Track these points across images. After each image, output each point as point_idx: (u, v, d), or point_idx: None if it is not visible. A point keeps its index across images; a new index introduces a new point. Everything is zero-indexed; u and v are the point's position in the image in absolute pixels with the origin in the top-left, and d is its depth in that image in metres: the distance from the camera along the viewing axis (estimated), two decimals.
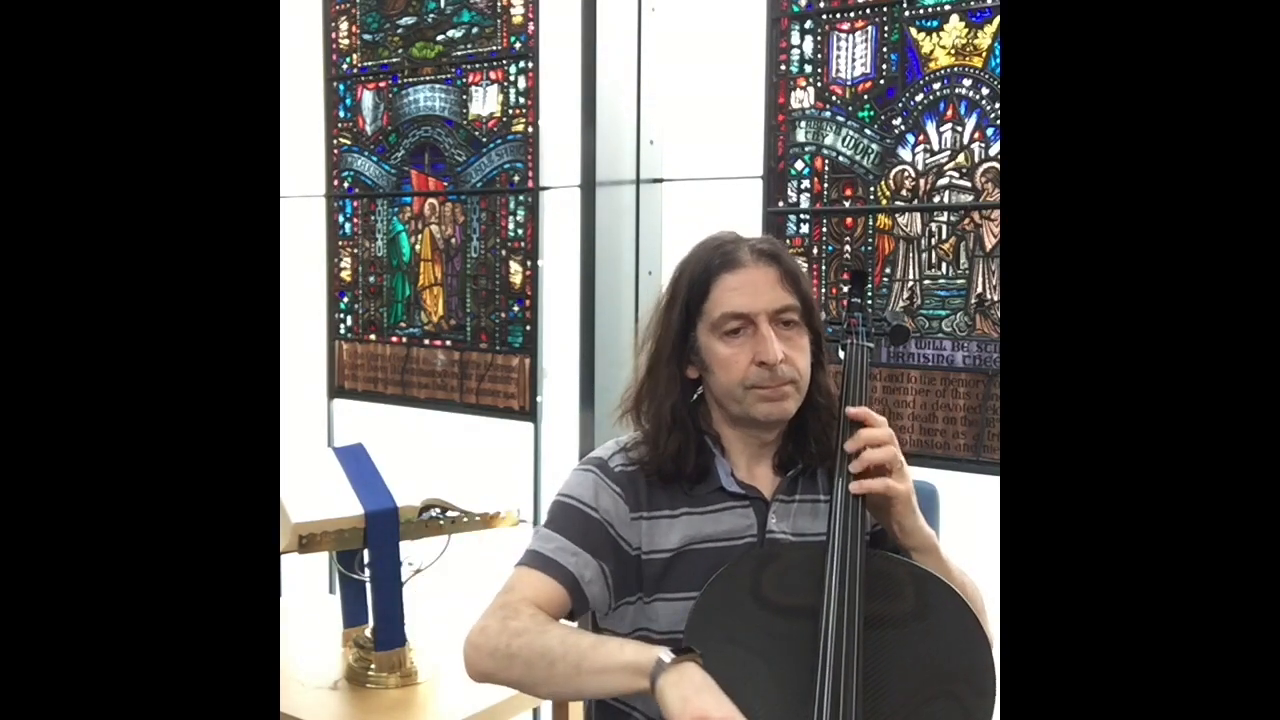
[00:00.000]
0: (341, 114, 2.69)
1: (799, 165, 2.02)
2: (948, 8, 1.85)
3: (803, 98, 2.00)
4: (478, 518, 1.80)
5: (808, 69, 2.00)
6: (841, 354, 1.26)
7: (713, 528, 1.22)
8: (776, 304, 1.19)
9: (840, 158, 1.98)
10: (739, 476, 1.24)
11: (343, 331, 2.74)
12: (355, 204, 2.69)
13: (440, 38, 2.49)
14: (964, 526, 1.61)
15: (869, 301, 1.32)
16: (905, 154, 1.91)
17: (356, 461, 1.82)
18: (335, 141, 2.71)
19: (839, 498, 1.12)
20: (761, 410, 1.20)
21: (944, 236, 1.89)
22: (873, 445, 1.12)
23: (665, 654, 1.01)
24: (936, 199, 1.89)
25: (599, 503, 1.22)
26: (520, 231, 2.40)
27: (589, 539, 1.20)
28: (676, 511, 1.23)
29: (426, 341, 2.57)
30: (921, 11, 1.88)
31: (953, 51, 1.85)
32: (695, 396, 1.29)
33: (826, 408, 1.25)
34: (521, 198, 2.39)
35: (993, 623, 1.21)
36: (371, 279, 2.67)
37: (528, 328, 2.40)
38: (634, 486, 1.23)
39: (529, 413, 2.41)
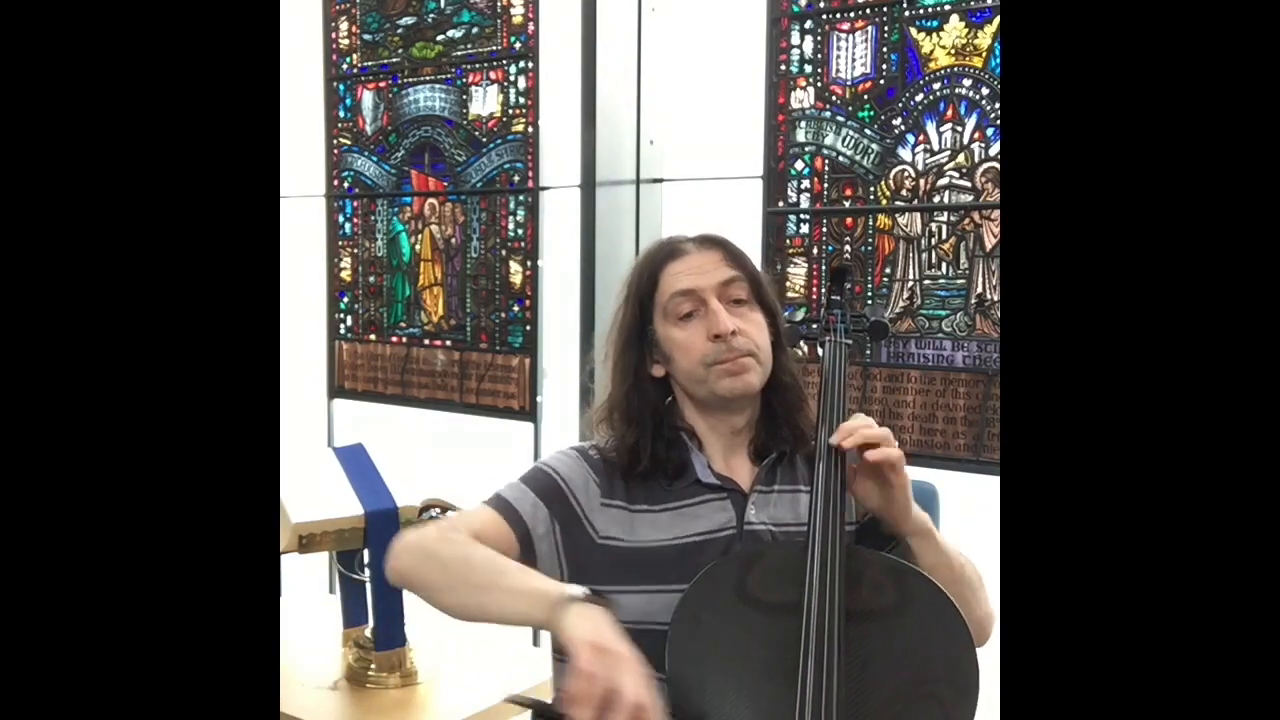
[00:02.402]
0: (341, 114, 2.69)
1: (799, 165, 2.02)
2: (948, 8, 1.85)
3: (803, 98, 2.00)
4: None
5: (808, 69, 2.00)
6: (821, 352, 1.26)
7: (691, 525, 1.22)
8: (722, 278, 1.22)
9: (840, 158, 1.98)
10: (716, 469, 1.25)
11: (343, 331, 2.74)
12: (355, 204, 2.69)
13: (440, 38, 2.49)
14: (964, 526, 1.60)
15: (843, 298, 1.32)
16: (905, 154, 1.91)
17: (356, 461, 1.82)
18: (335, 141, 2.71)
19: (819, 490, 1.12)
20: (725, 385, 1.21)
21: (944, 236, 1.89)
22: (864, 431, 1.12)
23: (579, 592, 1.02)
24: (936, 199, 1.89)
25: (571, 477, 1.25)
26: (520, 231, 2.40)
27: (550, 498, 1.23)
28: (657, 507, 1.23)
29: (426, 341, 2.57)
30: (921, 11, 1.88)
31: (953, 51, 1.86)
32: (669, 399, 1.29)
33: (792, 388, 1.27)
34: (521, 198, 2.39)
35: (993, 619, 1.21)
36: (371, 279, 2.67)
37: (528, 328, 2.40)
38: (610, 475, 1.25)
39: (529, 413, 2.41)
